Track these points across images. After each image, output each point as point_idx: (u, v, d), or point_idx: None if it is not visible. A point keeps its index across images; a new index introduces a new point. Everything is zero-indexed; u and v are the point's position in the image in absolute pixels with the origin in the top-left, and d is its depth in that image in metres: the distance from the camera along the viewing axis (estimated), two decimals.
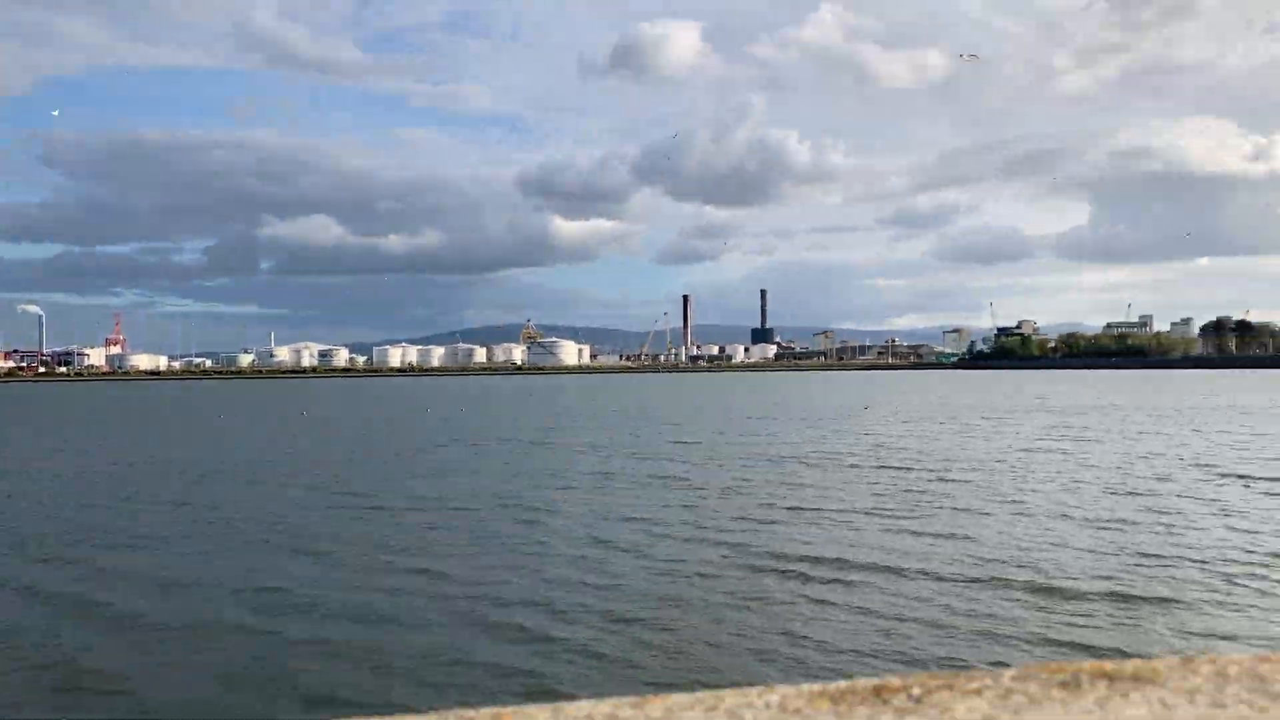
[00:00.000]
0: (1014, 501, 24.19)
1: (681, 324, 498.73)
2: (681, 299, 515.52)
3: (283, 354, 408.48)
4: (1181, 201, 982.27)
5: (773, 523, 21.59)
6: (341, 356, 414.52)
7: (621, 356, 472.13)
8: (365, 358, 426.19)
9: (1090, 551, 17.71)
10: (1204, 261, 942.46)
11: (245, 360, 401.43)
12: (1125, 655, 9.33)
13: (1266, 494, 25.17)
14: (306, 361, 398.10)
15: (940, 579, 15.71)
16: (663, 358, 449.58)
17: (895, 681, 1.53)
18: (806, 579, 16.07)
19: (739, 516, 22.51)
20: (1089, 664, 1.58)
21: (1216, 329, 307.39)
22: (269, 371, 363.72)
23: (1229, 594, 14.54)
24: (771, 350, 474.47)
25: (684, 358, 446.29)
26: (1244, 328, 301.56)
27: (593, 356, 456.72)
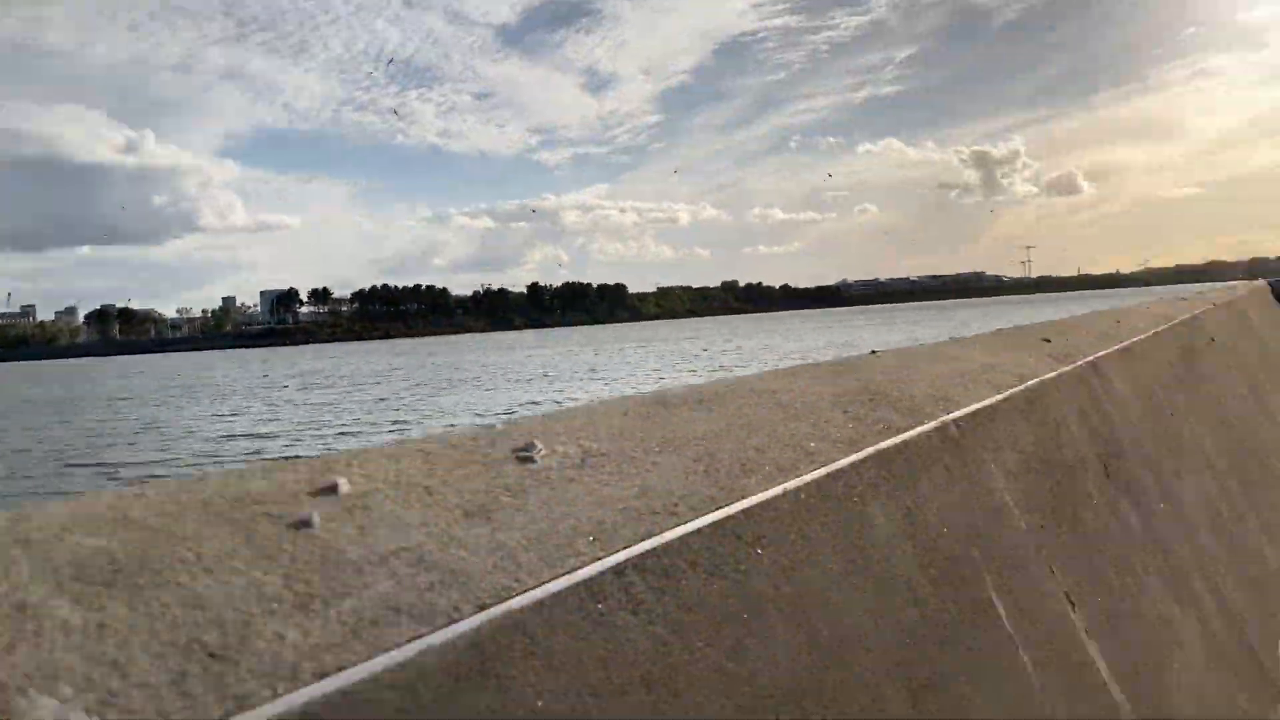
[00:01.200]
0: None
1: None
2: None
3: None
4: (59, 189, 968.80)
5: None
6: None
7: None
8: None
9: None
10: (87, 250, 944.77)
11: None
12: None
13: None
14: None
15: None
16: None
17: None
18: None
19: None
20: None
21: (100, 317, 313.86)
22: None
23: None
24: None
25: None
26: (127, 315, 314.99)
27: None
